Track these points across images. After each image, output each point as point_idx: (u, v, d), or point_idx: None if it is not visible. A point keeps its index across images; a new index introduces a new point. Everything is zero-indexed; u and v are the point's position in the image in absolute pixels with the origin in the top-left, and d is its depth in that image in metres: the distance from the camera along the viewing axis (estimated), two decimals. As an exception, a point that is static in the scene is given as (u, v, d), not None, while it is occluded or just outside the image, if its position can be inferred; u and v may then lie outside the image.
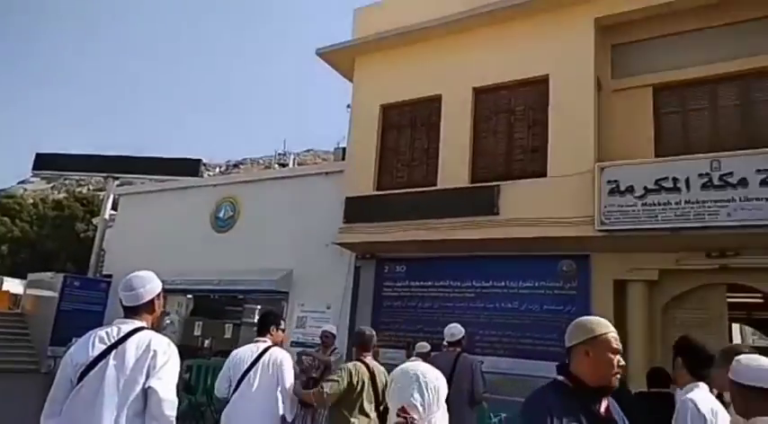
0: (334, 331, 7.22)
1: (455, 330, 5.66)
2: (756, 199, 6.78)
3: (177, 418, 2.56)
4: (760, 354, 2.32)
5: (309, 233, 11.02)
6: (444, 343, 5.74)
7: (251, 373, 3.99)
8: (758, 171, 6.80)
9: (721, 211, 6.92)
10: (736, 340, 12.78)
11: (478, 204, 8.62)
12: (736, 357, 2.31)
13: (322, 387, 3.89)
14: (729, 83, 7.94)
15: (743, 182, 6.86)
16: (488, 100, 9.23)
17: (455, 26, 9.43)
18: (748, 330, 13.99)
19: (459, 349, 5.59)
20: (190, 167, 15.27)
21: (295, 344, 10.14)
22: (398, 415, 2.98)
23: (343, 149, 12.67)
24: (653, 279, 7.97)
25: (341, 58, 10.84)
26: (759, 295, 8.20)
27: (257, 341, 4.21)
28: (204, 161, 17.31)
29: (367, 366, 4.05)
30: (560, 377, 2.08)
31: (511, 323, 8.75)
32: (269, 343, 4.18)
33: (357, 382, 3.92)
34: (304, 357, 6.95)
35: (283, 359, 4.09)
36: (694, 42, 8.17)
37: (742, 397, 2.23)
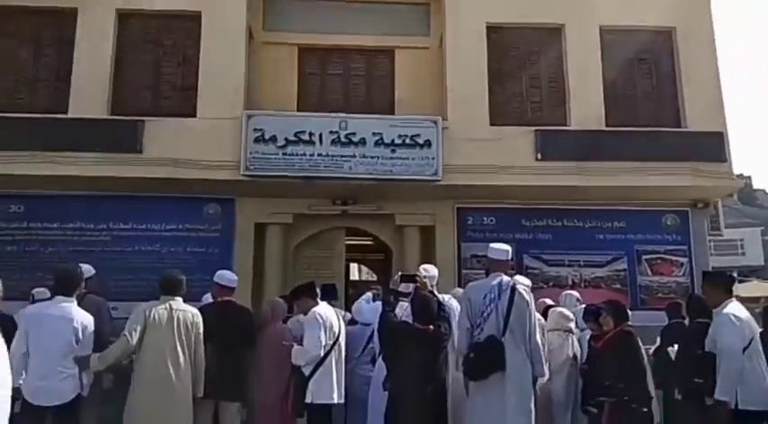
0: None
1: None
2: (371, 157, 8.11)
3: None
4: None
5: None
6: None
7: None
8: (374, 133, 8.14)
9: (345, 164, 8.06)
10: (354, 277, 15.12)
11: (119, 139, 7.91)
12: None
13: None
14: (359, 56, 9.20)
15: (362, 141, 8.11)
16: (135, 26, 8.43)
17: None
18: (364, 268, 16.50)
19: None
20: None
21: None
22: None
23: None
24: (288, 223, 8.80)
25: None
26: (370, 238, 9.94)
27: None
28: None
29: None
30: None
31: (150, 267, 8.40)
32: None
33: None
34: None
35: None
36: (335, 12, 9.09)
37: None
